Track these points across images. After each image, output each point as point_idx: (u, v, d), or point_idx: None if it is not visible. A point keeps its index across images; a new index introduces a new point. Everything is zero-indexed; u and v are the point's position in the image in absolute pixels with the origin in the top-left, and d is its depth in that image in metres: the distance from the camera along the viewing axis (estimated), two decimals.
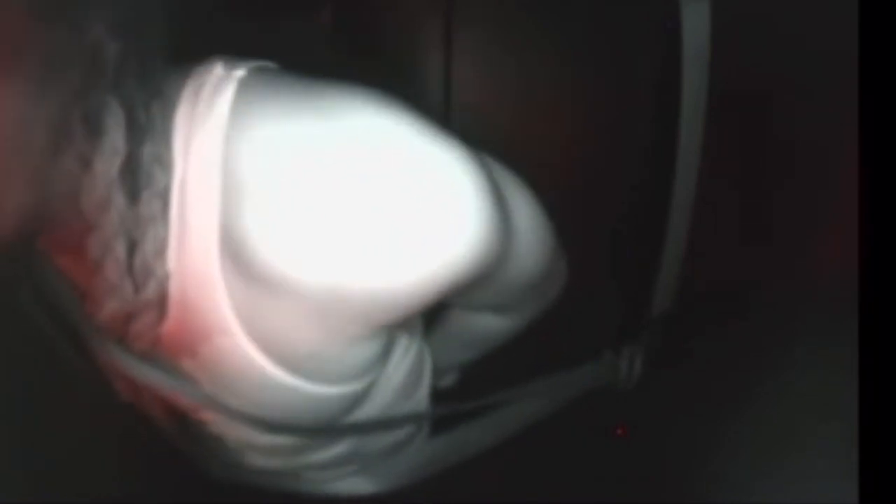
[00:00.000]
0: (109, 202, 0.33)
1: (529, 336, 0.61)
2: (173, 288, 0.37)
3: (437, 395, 0.59)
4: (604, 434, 0.75)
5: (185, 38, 0.36)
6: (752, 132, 0.69)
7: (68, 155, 0.31)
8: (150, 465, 0.57)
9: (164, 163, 0.35)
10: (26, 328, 0.40)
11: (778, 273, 0.73)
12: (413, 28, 0.66)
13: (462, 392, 0.67)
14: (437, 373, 0.60)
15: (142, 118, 0.33)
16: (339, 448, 0.53)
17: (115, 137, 0.32)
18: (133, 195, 0.34)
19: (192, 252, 0.36)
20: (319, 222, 0.33)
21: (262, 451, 0.51)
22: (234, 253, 0.34)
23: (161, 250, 0.36)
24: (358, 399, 0.46)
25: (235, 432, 0.48)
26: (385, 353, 0.45)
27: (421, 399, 0.56)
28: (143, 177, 0.34)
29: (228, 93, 0.35)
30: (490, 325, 0.59)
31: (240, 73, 0.36)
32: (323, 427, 0.47)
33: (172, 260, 0.36)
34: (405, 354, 0.51)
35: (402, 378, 0.51)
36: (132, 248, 0.35)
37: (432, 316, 0.59)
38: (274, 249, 0.33)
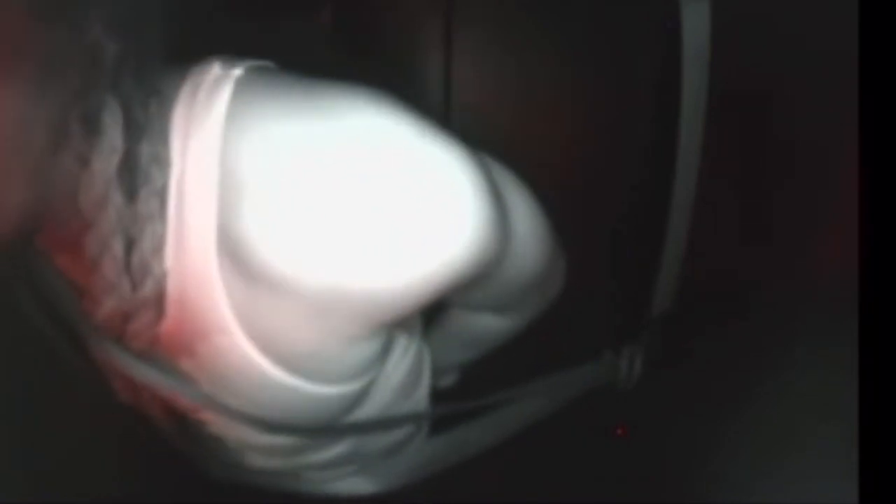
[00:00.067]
0: (107, 200, 0.33)
1: (529, 336, 0.61)
2: (171, 286, 0.37)
3: (437, 395, 0.59)
4: (604, 434, 0.75)
5: (185, 37, 0.36)
6: (752, 132, 0.69)
7: (66, 153, 0.31)
8: (150, 465, 0.57)
9: (162, 161, 0.35)
10: (26, 328, 0.40)
11: (778, 273, 0.73)
12: (413, 28, 0.66)
13: (462, 392, 0.67)
14: (437, 373, 0.60)
15: (140, 117, 0.33)
16: (338, 448, 0.53)
17: (112, 136, 0.32)
18: (131, 193, 0.34)
19: (189, 250, 0.36)
20: (318, 221, 0.33)
21: (261, 452, 0.51)
22: (233, 252, 0.34)
23: (159, 248, 0.36)
24: (357, 399, 0.46)
25: (235, 432, 0.48)
26: (384, 353, 0.45)
27: (420, 399, 0.56)
28: (140, 175, 0.34)
29: (226, 92, 0.35)
30: (490, 325, 0.59)
31: (237, 72, 0.36)
32: (322, 427, 0.47)
33: (170, 258, 0.36)
34: (404, 354, 0.51)
35: (402, 378, 0.51)
36: (130, 246, 0.35)
37: (432, 316, 0.59)
38: (272, 249, 0.33)
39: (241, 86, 0.35)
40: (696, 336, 0.73)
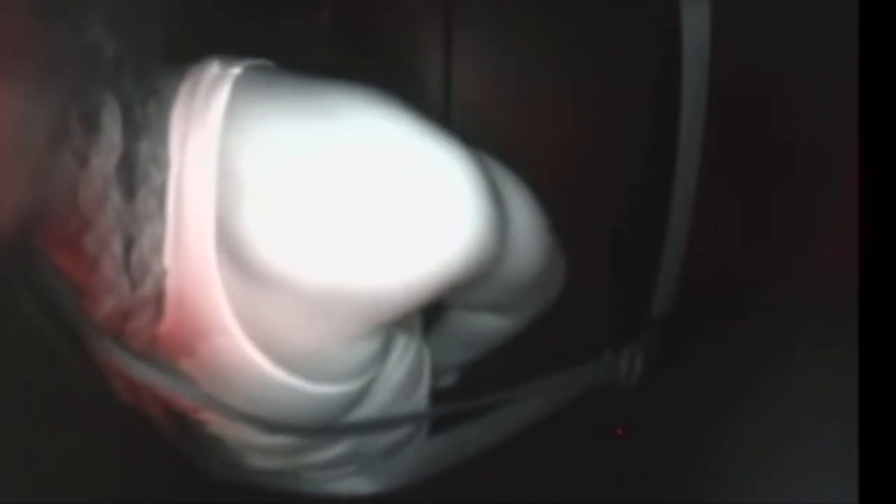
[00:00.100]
0: (106, 198, 0.33)
1: (529, 336, 0.61)
2: (170, 285, 0.37)
3: (437, 395, 0.59)
4: (604, 434, 0.75)
5: (184, 37, 0.36)
6: (752, 132, 0.69)
7: (65, 152, 0.31)
8: (150, 465, 0.57)
9: (161, 160, 0.35)
10: (26, 328, 0.40)
11: (778, 273, 0.73)
12: (413, 28, 0.66)
13: (462, 392, 0.67)
14: (437, 373, 0.60)
15: (138, 115, 0.33)
16: (338, 448, 0.53)
17: (111, 134, 0.32)
18: (129, 192, 0.34)
19: (188, 249, 0.36)
20: (318, 221, 0.33)
21: (261, 452, 0.51)
22: (232, 251, 0.34)
23: (157, 247, 0.36)
24: (357, 398, 0.46)
25: (235, 432, 0.48)
26: (384, 353, 0.45)
27: (420, 399, 0.56)
28: (139, 173, 0.34)
29: (224, 91, 0.35)
30: (489, 325, 0.59)
31: (236, 71, 0.36)
32: (322, 427, 0.47)
33: (169, 257, 0.36)
34: (404, 354, 0.51)
35: (402, 377, 0.51)
36: (129, 245, 0.35)
37: (431, 316, 0.59)
38: (272, 248, 0.33)
39: (239, 85, 0.35)
40: (696, 336, 0.73)
